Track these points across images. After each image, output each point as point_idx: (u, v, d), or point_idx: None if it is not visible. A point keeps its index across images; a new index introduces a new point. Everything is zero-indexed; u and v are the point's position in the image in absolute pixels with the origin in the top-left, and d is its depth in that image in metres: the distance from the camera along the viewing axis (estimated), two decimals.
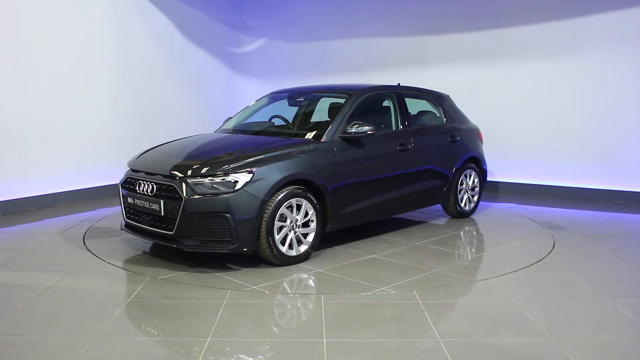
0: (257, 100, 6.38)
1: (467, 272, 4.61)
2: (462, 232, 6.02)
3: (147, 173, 4.77)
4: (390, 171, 5.65)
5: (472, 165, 6.64)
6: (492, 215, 6.89)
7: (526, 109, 8.29)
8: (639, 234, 6.18)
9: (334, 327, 3.51)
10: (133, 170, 4.95)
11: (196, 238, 4.44)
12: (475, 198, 6.74)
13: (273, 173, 4.56)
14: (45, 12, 6.78)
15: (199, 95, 9.35)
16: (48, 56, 6.83)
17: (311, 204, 4.77)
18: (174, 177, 4.51)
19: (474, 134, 6.86)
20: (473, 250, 5.34)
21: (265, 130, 5.78)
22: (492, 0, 8.40)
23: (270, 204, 4.49)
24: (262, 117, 6.19)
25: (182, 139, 5.74)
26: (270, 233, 4.50)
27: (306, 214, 4.75)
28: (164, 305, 3.87)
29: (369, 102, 5.83)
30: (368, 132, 5.17)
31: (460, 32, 8.63)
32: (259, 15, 10.02)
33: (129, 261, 4.81)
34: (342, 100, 5.62)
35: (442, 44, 8.77)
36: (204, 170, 4.48)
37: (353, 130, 5.15)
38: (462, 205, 6.54)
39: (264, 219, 4.46)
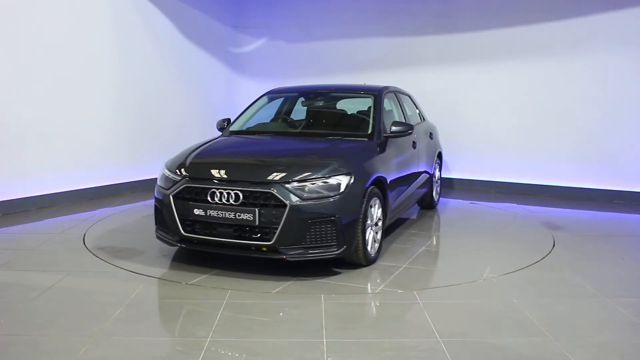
0: (256, 101, 6.25)
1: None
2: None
3: (223, 181, 4.36)
4: (410, 169, 5.84)
5: (438, 160, 7.16)
6: (492, 215, 6.89)
7: (526, 109, 8.29)
8: (639, 234, 6.18)
9: (334, 327, 3.51)
10: (192, 179, 4.46)
11: (299, 246, 4.21)
12: (439, 189, 7.36)
13: (365, 173, 4.56)
14: (46, 12, 6.78)
15: (199, 95, 9.35)
16: (48, 56, 6.83)
17: (380, 202, 4.80)
18: (269, 183, 4.23)
19: (434, 130, 7.28)
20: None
21: (306, 132, 5.59)
22: (492, 1, 8.40)
23: (364, 203, 4.48)
24: (268, 117, 6.13)
25: (214, 142, 5.31)
26: (363, 233, 4.48)
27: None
28: (164, 305, 3.87)
29: (385, 101, 5.97)
30: (409, 132, 5.34)
31: (460, 33, 8.63)
32: (259, 15, 10.02)
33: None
34: (368, 100, 5.76)
35: (442, 44, 8.76)
36: (304, 174, 4.29)
37: (397, 129, 5.28)
38: (434, 196, 7.02)
39: (361, 219, 4.42)
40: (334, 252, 4.29)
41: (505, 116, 8.45)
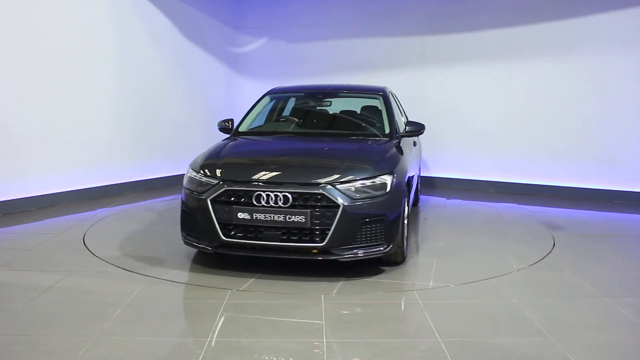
0: (259, 101, 6.12)
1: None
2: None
3: (269, 183, 4.26)
4: (415, 167, 5.98)
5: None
6: (491, 215, 6.89)
7: (526, 109, 8.30)
8: (639, 234, 6.18)
9: (334, 327, 3.51)
10: (233, 182, 4.33)
11: (350, 246, 4.22)
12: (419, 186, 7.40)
13: (401, 172, 4.64)
14: (46, 12, 6.78)
15: (199, 95, 9.36)
16: (48, 56, 6.83)
17: (407, 200, 4.83)
18: (319, 184, 4.19)
19: None
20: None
21: (325, 132, 5.62)
22: (492, 1, 8.40)
23: (404, 202, 4.55)
24: (275, 117, 6.10)
25: (237, 143, 5.23)
26: (402, 231, 4.55)
27: None
28: (164, 305, 3.87)
29: None
30: (422, 131, 5.42)
31: (461, 32, 8.63)
32: (259, 16, 10.02)
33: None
34: (374, 100, 5.86)
35: (442, 44, 8.77)
36: (352, 175, 4.29)
37: (411, 129, 5.38)
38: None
39: (402, 217, 4.49)
40: (383, 250, 4.33)
41: (505, 116, 8.45)
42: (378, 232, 4.26)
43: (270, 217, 4.18)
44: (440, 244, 5.53)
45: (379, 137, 5.34)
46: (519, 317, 3.70)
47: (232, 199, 4.28)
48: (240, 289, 4.16)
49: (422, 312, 3.75)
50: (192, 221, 4.50)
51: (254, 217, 4.20)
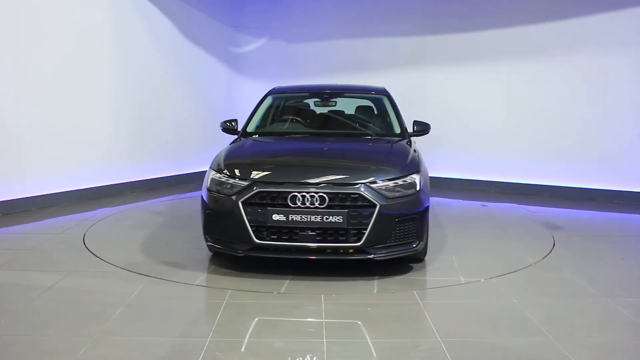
0: (263, 101, 5.99)
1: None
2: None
3: (304, 184, 4.21)
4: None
5: None
6: (492, 216, 6.88)
7: (526, 109, 8.29)
8: (639, 234, 6.18)
9: (334, 327, 3.51)
10: (266, 183, 4.26)
11: (385, 245, 4.25)
12: None
13: (425, 170, 4.70)
14: (46, 12, 6.78)
15: (199, 95, 9.35)
16: (48, 56, 6.83)
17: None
18: (355, 184, 4.20)
19: None
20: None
21: (340, 132, 5.60)
22: (492, 1, 8.40)
23: (429, 201, 4.59)
24: (282, 117, 6.02)
25: (256, 144, 5.21)
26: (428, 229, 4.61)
27: None
28: (164, 305, 3.87)
29: None
30: (428, 130, 5.50)
31: (460, 32, 8.63)
32: (259, 16, 10.02)
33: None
34: (380, 100, 5.93)
35: (442, 44, 8.76)
36: (386, 174, 4.33)
37: (419, 128, 5.46)
38: None
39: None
40: (415, 248, 4.39)
41: (505, 116, 8.45)
42: (410, 230, 4.33)
43: (306, 218, 4.14)
44: (450, 242, 5.53)
45: (391, 136, 5.41)
46: (519, 317, 3.70)
47: (266, 200, 4.21)
48: (241, 289, 4.16)
49: (422, 312, 3.75)
50: (219, 225, 4.40)
51: (290, 218, 4.15)
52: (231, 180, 4.37)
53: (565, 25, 7.92)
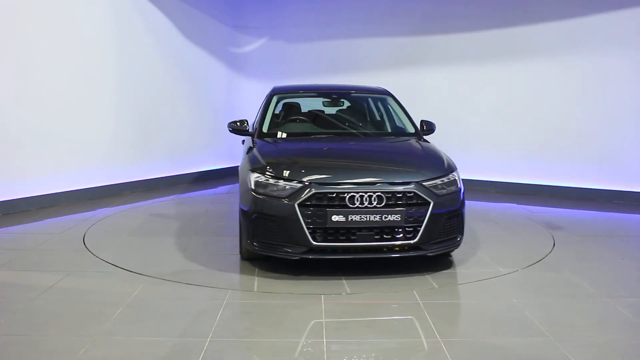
0: (270, 101, 5.84)
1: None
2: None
3: (361, 184, 4.23)
4: None
5: None
6: (492, 216, 6.88)
7: (526, 109, 8.29)
8: (639, 234, 6.18)
9: (334, 327, 3.51)
10: (321, 184, 4.22)
11: (435, 241, 4.38)
12: None
13: (457, 169, 4.79)
14: (46, 12, 6.78)
15: (199, 95, 9.35)
16: (48, 56, 6.83)
17: None
18: (409, 182, 4.29)
19: None
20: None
21: (361, 132, 5.65)
22: (492, 1, 8.40)
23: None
24: (290, 117, 5.96)
25: (288, 144, 5.15)
26: None
27: None
28: (164, 305, 3.87)
29: None
30: (434, 129, 5.63)
31: (460, 33, 8.62)
32: (259, 16, 10.01)
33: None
34: (385, 100, 6.02)
35: (442, 44, 8.76)
36: (434, 173, 4.46)
37: (428, 128, 5.59)
38: None
39: None
40: (459, 241, 4.59)
41: (505, 116, 8.44)
42: (455, 226, 4.51)
43: (365, 217, 4.16)
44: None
45: (407, 135, 5.54)
46: (519, 317, 3.70)
47: (323, 201, 4.17)
48: (241, 288, 4.16)
49: (422, 312, 3.75)
50: (269, 228, 4.29)
51: (350, 218, 4.15)
52: (281, 182, 4.28)
53: (565, 25, 7.92)
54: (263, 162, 4.56)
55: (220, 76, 9.77)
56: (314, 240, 4.18)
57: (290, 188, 4.22)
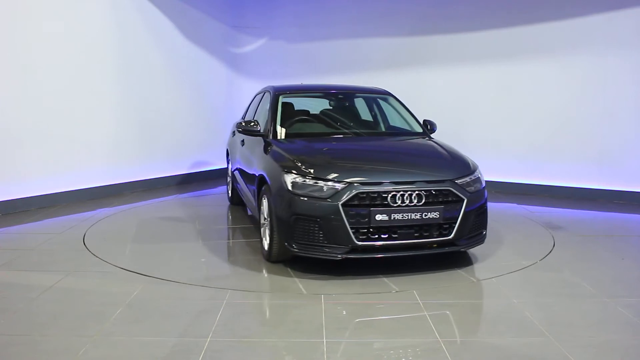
0: (276, 102, 5.69)
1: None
2: None
3: (401, 183, 4.29)
4: None
5: None
6: (492, 216, 6.87)
7: (526, 109, 8.29)
8: (639, 234, 6.18)
9: (334, 327, 3.51)
10: (363, 184, 4.25)
11: (467, 236, 4.54)
12: None
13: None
14: (46, 13, 6.77)
15: (199, 95, 9.35)
16: (48, 56, 6.83)
17: None
18: (444, 180, 4.41)
19: None
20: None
21: (375, 132, 5.84)
22: (491, 1, 8.40)
23: None
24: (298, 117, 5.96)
25: (316, 144, 5.06)
26: None
27: None
28: (164, 305, 3.87)
29: None
30: (435, 129, 5.78)
31: (460, 33, 8.63)
32: (259, 16, 10.02)
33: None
34: (387, 100, 6.12)
35: (442, 45, 8.76)
36: (462, 172, 4.60)
37: (431, 127, 5.78)
38: None
39: None
40: (484, 237, 4.75)
41: (504, 116, 8.44)
42: (481, 221, 4.69)
43: (407, 216, 4.25)
44: None
45: (417, 135, 5.64)
46: (519, 317, 3.70)
47: (366, 201, 4.21)
48: (241, 288, 4.16)
49: (422, 311, 3.75)
50: (310, 229, 4.27)
51: (392, 217, 4.22)
52: (321, 183, 4.28)
53: (565, 25, 7.92)
54: (297, 162, 4.53)
55: (220, 76, 9.78)
56: (357, 240, 4.21)
57: (332, 188, 4.24)
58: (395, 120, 6.03)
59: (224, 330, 3.43)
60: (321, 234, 4.23)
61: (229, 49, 9.96)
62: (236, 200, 6.95)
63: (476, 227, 4.64)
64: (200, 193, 8.19)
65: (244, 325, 3.54)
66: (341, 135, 5.55)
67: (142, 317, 3.65)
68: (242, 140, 6.10)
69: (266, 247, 4.71)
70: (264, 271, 4.57)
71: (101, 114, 7.60)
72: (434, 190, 4.33)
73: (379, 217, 4.20)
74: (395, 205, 4.22)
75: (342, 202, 4.17)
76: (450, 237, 4.41)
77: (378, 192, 4.23)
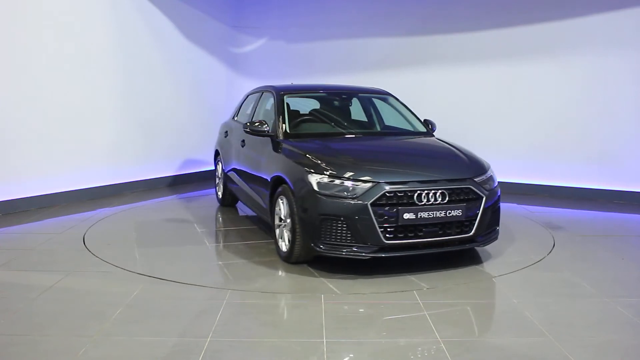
0: (282, 102, 5.63)
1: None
2: None
3: (425, 182, 4.37)
4: None
5: None
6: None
7: (526, 109, 8.29)
8: (639, 234, 6.18)
9: (334, 327, 3.51)
10: (390, 183, 4.28)
11: (484, 233, 4.68)
12: None
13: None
14: (46, 12, 6.77)
15: (199, 95, 9.35)
16: (48, 56, 6.83)
17: None
18: (464, 179, 4.54)
19: None
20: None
21: (385, 132, 5.94)
22: (491, 2, 8.40)
23: None
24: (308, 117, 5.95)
25: (334, 144, 5.07)
26: None
27: None
28: (164, 305, 3.87)
29: None
30: (435, 129, 5.91)
31: (460, 33, 8.63)
32: (258, 16, 10.01)
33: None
34: (387, 100, 6.18)
35: (442, 45, 8.76)
36: (479, 170, 4.74)
37: (432, 127, 5.91)
38: None
39: None
40: (498, 231, 4.90)
41: (504, 116, 8.44)
42: (496, 217, 4.82)
43: (432, 214, 4.32)
44: None
45: (422, 134, 5.73)
46: (519, 317, 3.70)
47: (394, 200, 4.26)
48: (241, 288, 4.16)
49: (422, 312, 3.75)
50: (338, 229, 4.28)
51: (419, 215, 4.29)
52: (348, 183, 4.30)
53: (565, 25, 7.92)
54: (319, 162, 4.52)
55: (219, 76, 9.78)
56: (385, 239, 4.25)
57: (360, 188, 4.26)
58: (398, 120, 6.05)
59: (224, 330, 3.43)
60: (349, 233, 4.25)
61: (228, 49, 9.96)
62: (228, 202, 6.92)
63: (492, 223, 4.77)
64: (200, 193, 8.18)
65: (244, 325, 3.54)
66: (352, 135, 5.54)
67: (142, 317, 3.65)
68: (243, 141, 6.04)
69: (283, 249, 4.71)
70: (282, 272, 4.56)
71: (101, 114, 7.59)
72: (456, 188, 4.44)
73: (406, 215, 4.26)
74: (421, 203, 4.29)
75: (371, 201, 4.21)
76: (470, 234, 4.53)
77: (405, 191, 4.29)
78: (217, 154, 7.24)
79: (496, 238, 4.91)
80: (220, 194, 7.08)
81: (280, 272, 4.54)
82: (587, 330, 3.52)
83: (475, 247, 4.94)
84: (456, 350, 3.20)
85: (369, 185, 4.26)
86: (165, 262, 4.79)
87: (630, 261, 5.04)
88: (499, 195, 4.85)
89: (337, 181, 4.32)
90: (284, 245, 4.72)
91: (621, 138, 7.70)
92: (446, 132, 8.32)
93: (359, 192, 4.25)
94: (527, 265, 4.82)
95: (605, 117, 7.77)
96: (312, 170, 4.44)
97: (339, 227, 4.27)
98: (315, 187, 4.34)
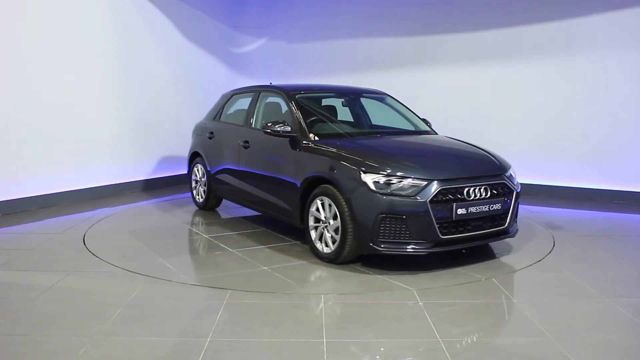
0: (295, 103, 5.52)
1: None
2: None
3: (471, 178, 4.61)
4: None
5: None
6: None
7: (525, 109, 8.29)
8: (639, 234, 6.18)
9: (334, 327, 3.51)
10: (443, 181, 4.42)
11: (513, 225, 4.94)
12: None
13: None
14: (46, 12, 6.77)
15: (199, 95, 9.35)
16: (48, 56, 6.83)
17: None
18: (499, 175, 4.80)
19: None
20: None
21: (395, 130, 5.95)
22: (491, 2, 8.40)
23: None
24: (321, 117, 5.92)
25: (376, 142, 5.17)
26: None
27: None
28: (164, 305, 3.87)
29: None
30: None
31: (460, 33, 8.63)
32: (259, 16, 10.02)
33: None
34: (386, 100, 6.29)
35: (442, 45, 8.76)
36: (505, 167, 4.96)
37: (430, 126, 6.07)
38: None
39: None
40: (517, 224, 5.10)
41: (504, 116, 8.45)
42: (517, 210, 5.01)
43: (479, 208, 4.56)
44: None
45: (426, 133, 5.88)
46: (519, 317, 3.70)
47: (447, 196, 4.43)
48: (241, 288, 4.16)
49: (422, 312, 3.75)
50: (397, 227, 4.35)
51: (469, 210, 4.50)
52: (405, 181, 4.39)
53: (566, 25, 7.92)
54: (369, 162, 4.54)
55: (219, 76, 9.78)
56: (441, 234, 4.41)
57: (416, 186, 4.39)
58: (399, 120, 6.10)
59: (224, 330, 3.43)
60: (408, 231, 4.36)
61: (229, 49, 9.96)
62: (212, 205, 6.77)
63: (515, 216, 5.00)
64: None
65: (244, 325, 3.54)
66: (377, 134, 5.64)
67: (142, 317, 3.65)
68: (246, 142, 5.86)
69: (324, 250, 4.73)
70: (279, 273, 4.56)
71: (101, 114, 7.60)
72: (495, 184, 4.70)
73: (460, 210, 4.45)
74: (470, 199, 4.50)
75: (429, 198, 4.34)
76: (504, 226, 4.77)
77: (456, 188, 4.48)
78: (195, 155, 6.94)
79: (517, 230, 5.11)
80: (200, 197, 6.87)
81: (278, 274, 4.54)
82: (587, 330, 3.52)
83: (487, 244, 4.99)
84: (456, 350, 3.20)
85: (424, 183, 4.40)
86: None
87: (630, 261, 5.04)
88: (520, 190, 5.07)
89: (394, 180, 4.40)
90: (323, 247, 4.74)
91: (621, 138, 7.70)
92: (446, 132, 8.35)
93: (416, 190, 4.37)
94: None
95: (605, 117, 7.77)
96: (366, 170, 4.47)
97: (398, 225, 4.36)
98: (372, 187, 4.39)
